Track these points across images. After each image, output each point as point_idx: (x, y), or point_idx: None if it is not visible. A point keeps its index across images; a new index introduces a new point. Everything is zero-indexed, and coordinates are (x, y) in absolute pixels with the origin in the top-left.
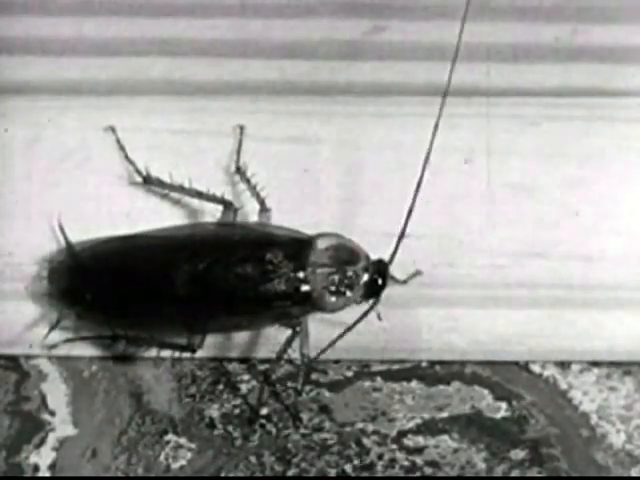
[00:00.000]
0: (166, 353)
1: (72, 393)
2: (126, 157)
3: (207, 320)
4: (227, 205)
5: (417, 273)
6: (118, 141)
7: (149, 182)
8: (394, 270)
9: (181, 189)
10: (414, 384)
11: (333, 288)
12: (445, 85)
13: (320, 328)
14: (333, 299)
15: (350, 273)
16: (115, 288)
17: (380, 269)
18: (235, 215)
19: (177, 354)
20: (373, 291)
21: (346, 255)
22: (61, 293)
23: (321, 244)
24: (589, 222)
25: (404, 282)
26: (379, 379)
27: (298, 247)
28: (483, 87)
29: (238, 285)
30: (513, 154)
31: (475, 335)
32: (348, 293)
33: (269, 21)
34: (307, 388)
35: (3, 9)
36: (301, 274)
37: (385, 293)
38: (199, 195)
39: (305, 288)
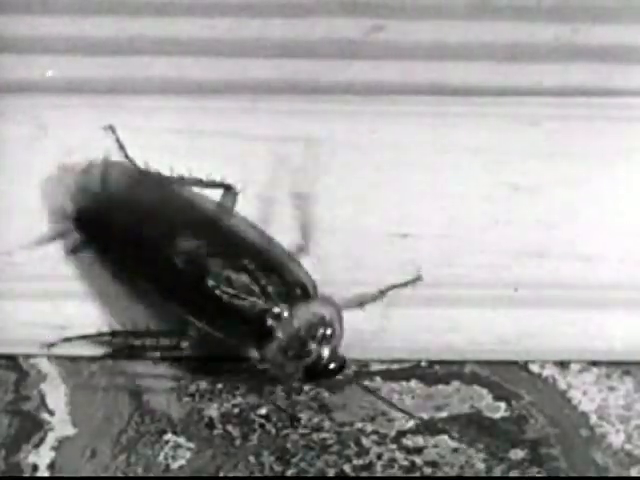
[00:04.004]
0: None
1: (71, 392)
2: (126, 156)
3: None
4: (227, 188)
5: (417, 279)
6: (118, 140)
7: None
8: (393, 270)
9: (181, 180)
10: (413, 384)
11: (290, 352)
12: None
13: None
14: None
15: (310, 348)
16: (128, 232)
17: (339, 364)
18: (235, 199)
19: (176, 353)
20: (315, 375)
21: (318, 332)
22: (80, 215)
23: (304, 310)
24: (589, 222)
25: (404, 286)
26: (378, 379)
27: (285, 291)
28: (483, 86)
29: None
30: (513, 153)
31: (474, 335)
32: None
33: (268, 20)
34: (306, 388)
35: (3, 8)
36: (270, 321)
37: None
38: (199, 183)
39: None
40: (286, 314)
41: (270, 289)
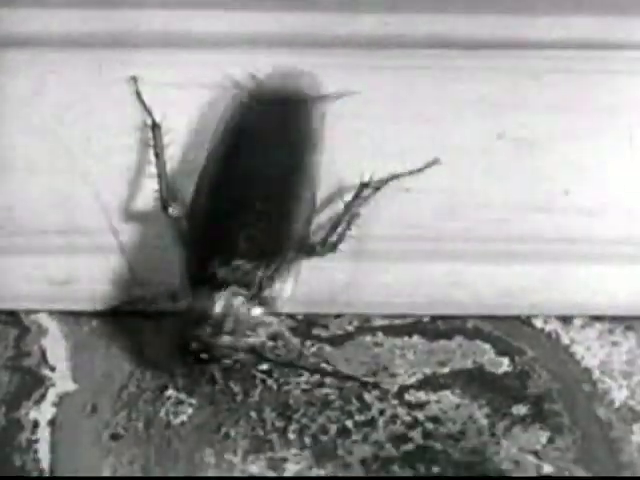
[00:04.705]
0: (167, 306)
1: (72, 348)
2: (145, 107)
3: None
4: None
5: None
6: (137, 91)
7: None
8: (396, 224)
9: None
10: (416, 339)
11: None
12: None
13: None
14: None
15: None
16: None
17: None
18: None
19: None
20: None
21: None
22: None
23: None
24: (591, 176)
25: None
26: (380, 334)
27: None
28: (485, 39)
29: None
30: (515, 107)
31: (477, 289)
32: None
33: None
34: (308, 343)
35: None
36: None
37: (386, 246)
38: None
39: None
40: (223, 297)
41: (250, 276)
